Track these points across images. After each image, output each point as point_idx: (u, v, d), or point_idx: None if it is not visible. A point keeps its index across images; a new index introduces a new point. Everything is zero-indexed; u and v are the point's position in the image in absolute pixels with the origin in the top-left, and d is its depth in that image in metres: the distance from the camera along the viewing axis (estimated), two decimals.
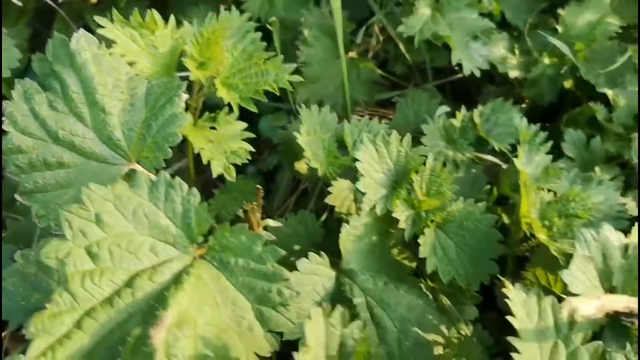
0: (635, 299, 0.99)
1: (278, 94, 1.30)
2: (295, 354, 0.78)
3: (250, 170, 1.87)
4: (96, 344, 0.89)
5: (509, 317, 0.92)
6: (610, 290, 1.10)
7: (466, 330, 1.25)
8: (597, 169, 1.59)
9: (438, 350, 1.14)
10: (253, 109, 1.28)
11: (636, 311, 1.00)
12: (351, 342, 0.82)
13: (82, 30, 1.17)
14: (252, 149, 1.33)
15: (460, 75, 1.85)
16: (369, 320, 1.13)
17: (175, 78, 1.17)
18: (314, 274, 1.16)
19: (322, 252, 1.18)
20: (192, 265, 0.93)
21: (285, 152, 1.59)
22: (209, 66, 1.26)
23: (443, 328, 1.17)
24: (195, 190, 0.94)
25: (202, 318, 0.88)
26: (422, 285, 1.27)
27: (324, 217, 1.45)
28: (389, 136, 1.26)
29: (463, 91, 1.94)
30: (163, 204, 0.93)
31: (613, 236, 1.11)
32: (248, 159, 1.32)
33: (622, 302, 0.94)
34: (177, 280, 0.90)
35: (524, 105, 1.83)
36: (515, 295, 0.95)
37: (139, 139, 1.13)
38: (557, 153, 1.63)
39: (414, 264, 1.26)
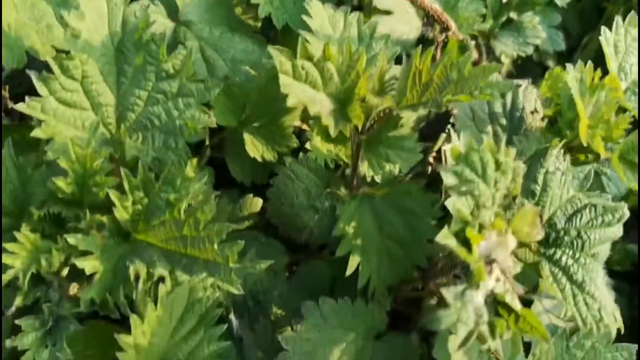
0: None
1: None
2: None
3: None
4: None
5: (303, 17, 0.97)
6: None
7: None
8: None
9: None
10: None
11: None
12: (133, 19, 0.85)
13: None
14: None
15: None
16: (200, 59, 1.17)
17: None
18: None
19: (157, 2, 1.20)
20: None
21: None
22: None
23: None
24: None
25: None
26: None
27: None
28: None
29: None
30: None
31: None
32: None
33: None
34: None
35: None
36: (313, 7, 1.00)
37: None
38: None
39: (258, 24, 1.30)
